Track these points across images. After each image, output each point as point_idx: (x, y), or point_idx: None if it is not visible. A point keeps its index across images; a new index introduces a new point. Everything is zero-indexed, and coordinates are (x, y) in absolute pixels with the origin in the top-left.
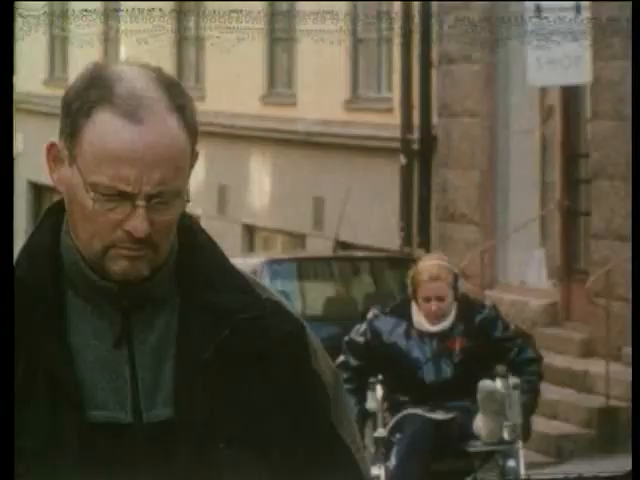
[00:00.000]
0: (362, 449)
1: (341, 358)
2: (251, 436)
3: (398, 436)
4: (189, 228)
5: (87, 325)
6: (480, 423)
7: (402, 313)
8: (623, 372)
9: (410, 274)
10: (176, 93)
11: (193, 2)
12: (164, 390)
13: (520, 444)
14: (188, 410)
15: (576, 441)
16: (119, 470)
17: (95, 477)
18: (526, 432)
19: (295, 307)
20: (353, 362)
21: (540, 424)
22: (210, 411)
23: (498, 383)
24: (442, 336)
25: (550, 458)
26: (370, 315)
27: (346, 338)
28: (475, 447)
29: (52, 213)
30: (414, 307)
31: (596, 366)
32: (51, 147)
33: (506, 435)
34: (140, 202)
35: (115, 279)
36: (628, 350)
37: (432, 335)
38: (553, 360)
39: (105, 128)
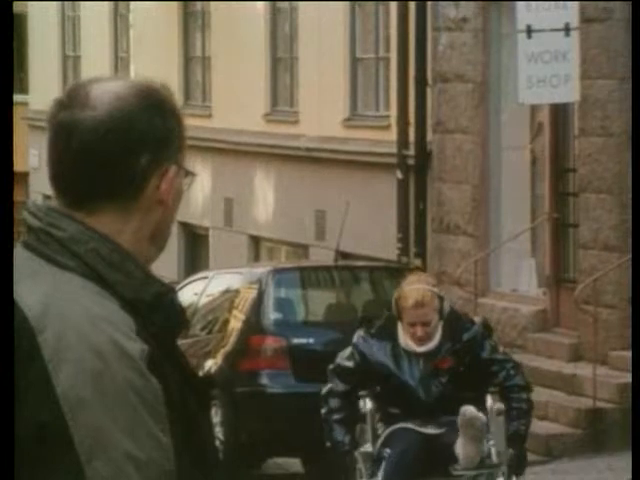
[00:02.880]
0: None
1: (328, 386)
2: None
3: (388, 451)
4: None
5: None
6: (459, 447)
7: (388, 334)
8: (610, 375)
9: (395, 296)
10: None
11: (199, 23)
12: None
13: (505, 467)
14: None
15: (565, 440)
16: None
17: None
18: (521, 462)
19: (298, 313)
20: (342, 388)
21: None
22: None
23: (489, 401)
24: (429, 356)
25: (540, 457)
26: (355, 338)
27: (331, 366)
28: (456, 471)
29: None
30: (400, 327)
31: (584, 369)
32: (169, 170)
33: (494, 458)
34: None
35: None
36: (614, 354)
37: (419, 355)
38: (543, 364)
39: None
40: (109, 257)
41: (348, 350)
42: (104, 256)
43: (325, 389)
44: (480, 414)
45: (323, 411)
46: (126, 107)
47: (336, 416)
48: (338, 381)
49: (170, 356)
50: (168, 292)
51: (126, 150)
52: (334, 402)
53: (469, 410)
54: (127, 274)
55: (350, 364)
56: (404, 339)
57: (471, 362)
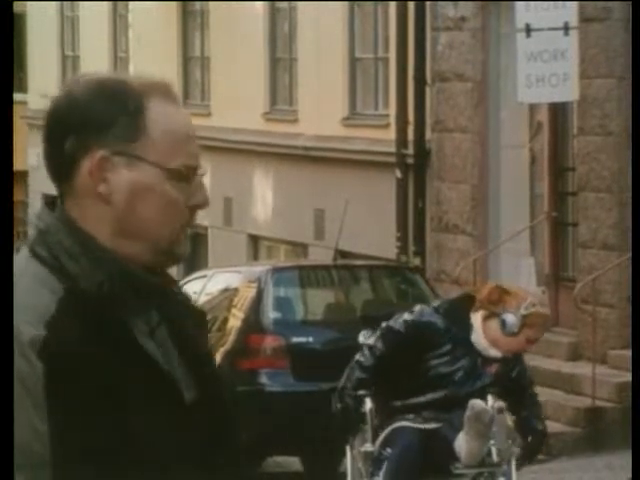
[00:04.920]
0: None
1: (379, 344)
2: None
3: (389, 450)
4: None
5: (130, 321)
6: (462, 442)
7: (458, 322)
8: (608, 374)
9: (525, 311)
10: None
11: (198, 22)
12: (183, 374)
13: (512, 466)
14: (211, 390)
15: (564, 439)
16: (191, 448)
17: (182, 455)
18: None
19: (297, 312)
20: (382, 349)
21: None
22: (223, 389)
23: (490, 400)
24: (486, 357)
25: (539, 455)
26: (418, 309)
27: (384, 324)
28: (457, 469)
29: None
30: (479, 327)
31: (583, 368)
32: (102, 160)
33: (494, 457)
34: (200, 173)
35: (180, 260)
36: (613, 353)
37: (477, 353)
38: (542, 363)
39: (166, 116)
40: (70, 249)
41: (405, 315)
42: (67, 248)
43: (370, 340)
44: (488, 408)
45: (358, 358)
46: (71, 93)
47: (361, 391)
48: (383, 344)
49: (119, 345)
50: (110, 282)
51: (57, 134)
52: (370, 360)
53: (477, 403)
54: (82, 265)
55: (401, 328)
56: (481, 341)
57: (511, 379)
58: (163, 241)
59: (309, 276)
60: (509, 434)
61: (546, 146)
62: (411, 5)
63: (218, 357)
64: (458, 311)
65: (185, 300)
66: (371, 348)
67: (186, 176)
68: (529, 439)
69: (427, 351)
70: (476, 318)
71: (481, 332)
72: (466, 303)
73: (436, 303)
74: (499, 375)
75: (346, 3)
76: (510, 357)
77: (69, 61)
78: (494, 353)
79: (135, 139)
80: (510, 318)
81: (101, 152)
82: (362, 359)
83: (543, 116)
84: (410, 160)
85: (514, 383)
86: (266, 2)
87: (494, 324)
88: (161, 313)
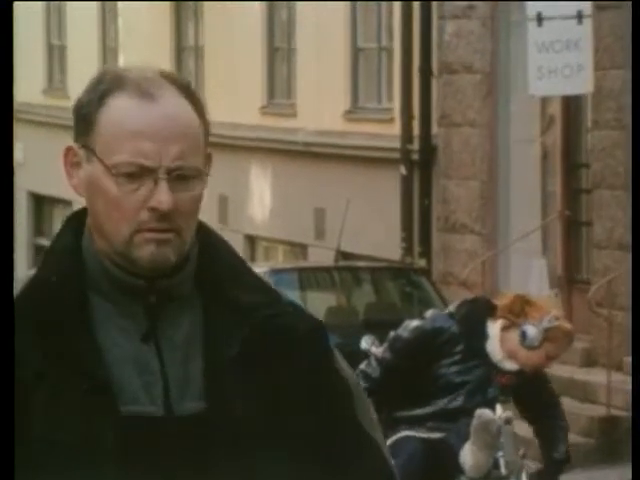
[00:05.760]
0: (384, 442)
1: (386, 355)
2: (278, 430)
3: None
4: (204, 227)
5: (112, 324)
6: (468, 453)
7: (474, 330)
8: (625, 382)
9: (547, 324)
10: (183, 83)
11: (192, 10)
12: (193, 385)
13: (522, 479)
14: (219, 405)
15: (577, 450)
16: (153, 463)
17: (129, 470)
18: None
19: None
20: (397, 361)
21: None
22: (240, 406)
23: (498, 410)
24: (500, 369)
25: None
26: (430, 314)
27: (392, 334)
28: None
29: (74, 219)
30: (496, 336)
31: (597, 376)
32: (68, 151)
33: (502, 469)
34: (162, 176)
35: (143, 266)
36: (629, 360)
37: (491, 364)
38: (554, 370)
39: (120, 109)
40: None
41: (414, 322)
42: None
43: (375, 349)
44: (496, 418)
45: (364, 369)
46: None
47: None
48: (390, 354)
49: (59, 348)
50: (75, 279)
51: None
52: (375, 371)
53: (485, 413)
54: (50, 259)
55: (410, 336)
56: (500, 354)
57: (527, 397)
58: (117, 241)
59: (309, 278)
60: (518, 445)
61: (559, 141)
62: None
63: None
64: (475, 318)
65: (243, 308)
66: (378, 359)
67: (134, 174)
68: (554, 449)
69: (438, 359)
70: (494, 327)
71: (498, 342)
72: (484, 309)
73: (452, 308)
74: (511, 386)
75: None
76: (527, 372)
77: (55, 51)
78: (510, 366)
79: (89, 132)
80: (531, 330)
81: (70, 145)
82: (368, 370)
83: (555, 109)
84: (415, 156)
85: (534, 396)
86: (264, 1)
87: (513, 335)
88: (193, 319)
